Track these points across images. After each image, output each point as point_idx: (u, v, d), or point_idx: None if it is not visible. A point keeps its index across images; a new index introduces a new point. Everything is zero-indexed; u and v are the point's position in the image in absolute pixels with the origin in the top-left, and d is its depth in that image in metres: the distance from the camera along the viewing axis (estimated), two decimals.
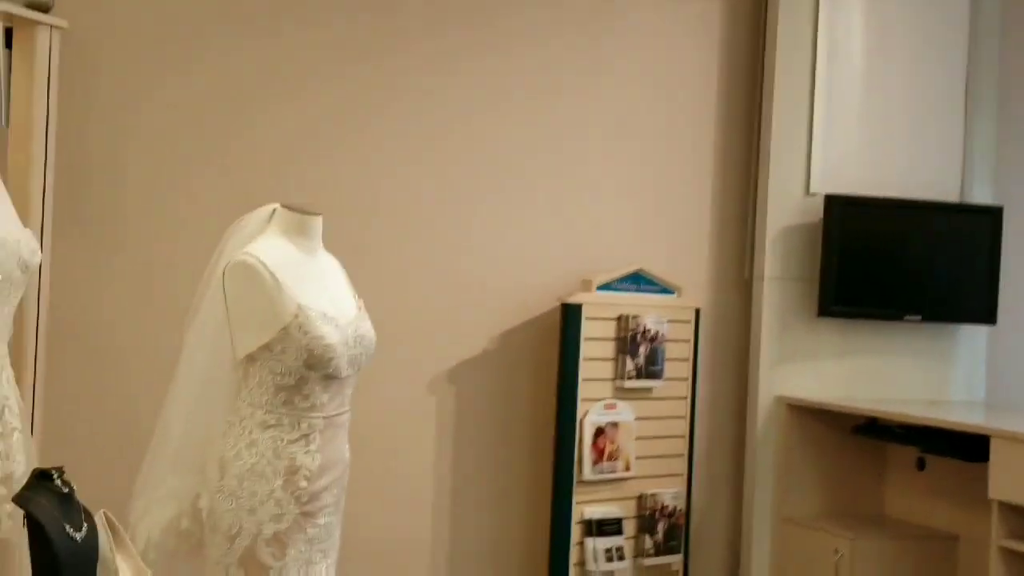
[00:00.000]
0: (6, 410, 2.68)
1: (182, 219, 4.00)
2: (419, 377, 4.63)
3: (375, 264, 4.45)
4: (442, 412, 4.66)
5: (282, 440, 2.84)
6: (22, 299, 3.09)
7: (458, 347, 4.68)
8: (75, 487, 2.59)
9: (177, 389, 2.95)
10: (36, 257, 2.74)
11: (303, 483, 2.85)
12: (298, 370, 2.82)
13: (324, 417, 2.89)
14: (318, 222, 3.01)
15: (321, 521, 2.91)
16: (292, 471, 2.83)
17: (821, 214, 5.08)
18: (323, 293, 2.93)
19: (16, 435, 2.69)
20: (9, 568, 2.61)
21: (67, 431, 3.64)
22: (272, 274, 2.82)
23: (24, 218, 3.02)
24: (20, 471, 2.64)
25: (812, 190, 5.13)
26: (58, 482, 2.49)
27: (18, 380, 3.01)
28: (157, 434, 2.93)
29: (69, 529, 2.47)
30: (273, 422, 2.84)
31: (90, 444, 3.79)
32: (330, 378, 2.87)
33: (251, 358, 2.85)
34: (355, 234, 4.39)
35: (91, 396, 3.88)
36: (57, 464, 2.60)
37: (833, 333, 5.17)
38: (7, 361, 2.72)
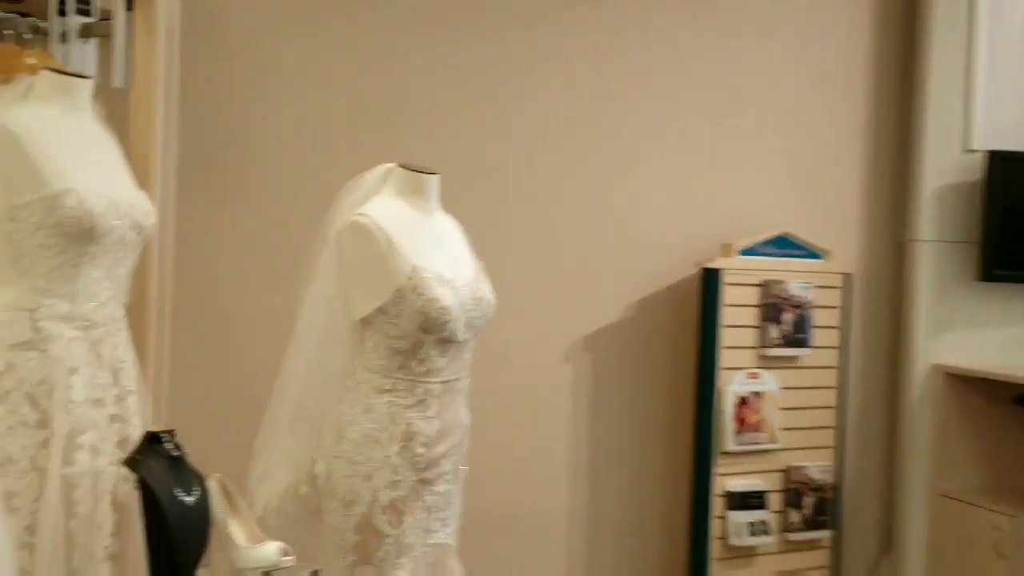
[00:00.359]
0: (122, 372, 2.67)
1: (309, 183, 3.96)
2: (555, 345, 4.52)
3: (509, 228, 4.36)
4: (578, 380, 4.55)
5: (398, 405, 2.77)
6: (147, 264, 3.10)
7: (594, 314, 4.56)
8: (188, 451, 2.56)
9: (294, 353, 2.90)
10: (150, 219, 2.72)
11: (420, 449, 2.77)
12: (413, 334, 2.74)
13: (441, 382, 2.81)
14: (435, 182, 2.93)
15: (440, 489, 2.84)
16: (408, 437, 2.77)
17: (982, 172, 4.78)
18: (439, 254, 2.85)
19: (132, 398, 2.68)
20: (125, 531, 2.60)
21: (191, 394, 3.65)
22: (386, 234, 2.74)
23: (145, 182, 3.01)
24: (136, 434, 2.62)
25: (972, 146, 4.83)
26: (168, 445, 2.47)
27: (142, 344, 3.01)
28: (274, 398, 2.89)
29: (179, 493, 2.44)
30: (389, 387, 2.77)
31: (214, 407, 3.79)
32: (447, 342, 2.79)
33: (366, 321, 2.78)
34: (491, 197, 4.30)
35: (215, 359, 3.88)
36: (179, 427, 2.59)
37: (994, 298, 4.87)
38: (124, 323, 2.71)
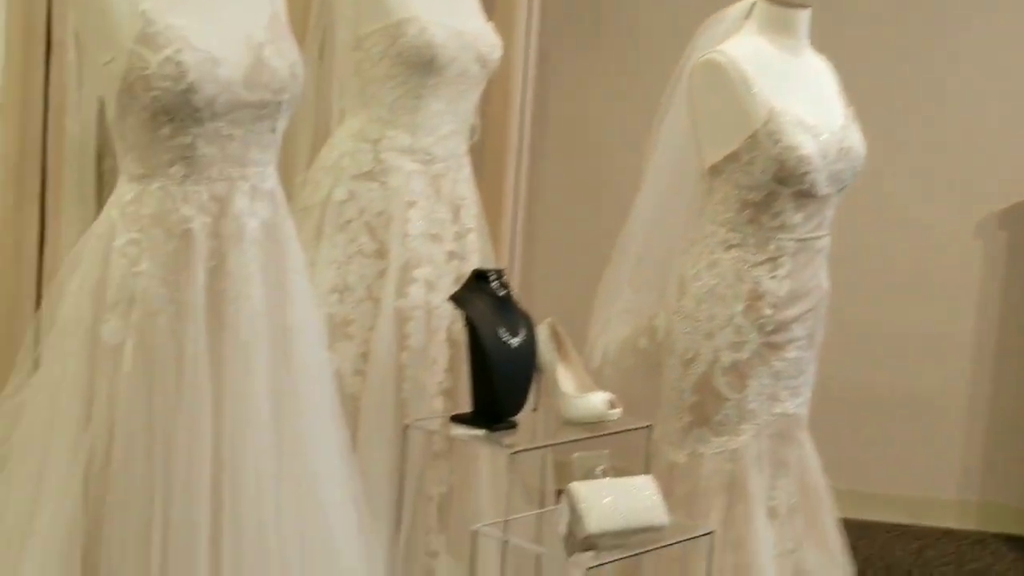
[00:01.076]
0: (462, 210, 2.64)
1: (676, 21, 3.72)
2: (963, 217, 4.08)
3: (912, 75, 3.93)
4: (989, 258, 4.10)
5: (746, 262, 2.56)
6: (507, 102, 3.04)
7: (1014, 185, 4.06)
8: (527, 293, 2.49)
9: (641, 200, 2.76)
10: (496, 53, 2.64)
11: (767, 311, 2.56)
12: (767, 184, 2.51)
13: (796, 240, 2.56)
14: (804, 17, 2.63)
15: (790, 355, 2.61)
16: (755, 296, 2.55)
17: None
18: (803, 98, 2.57)
19: (471, 236, 2.65)
20: (459, 368, 2.59)
21: (541, 237, 3.58)
22: (741, 73, 2.51)
23: (510, 20, 2.94)
24: None
25: None
26: (495, 284, 2.40)
27: (497, 182, 2.98)
28: (619, 246, 2.77)
29: (503, 333, 2.38)
30: (737, 242, 2.56)
31: (564, 251, 3.69)
32: (805, 196, 2.53)
33: (716, 169, 2.58)
34: (886, 37, 3.89)
35: (569, 203, 3.77)
36: (525, 270, 2.53)
37: None
38: (467, 160, 2.67)
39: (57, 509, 1.94)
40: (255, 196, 2.05)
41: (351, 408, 2.47)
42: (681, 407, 2.63)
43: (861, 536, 3.60)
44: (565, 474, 2.43)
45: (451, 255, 2.61)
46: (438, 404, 2.58)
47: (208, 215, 2.00)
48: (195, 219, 1.98)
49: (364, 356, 2.51)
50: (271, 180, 2.09)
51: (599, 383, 2.67)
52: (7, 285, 2.65)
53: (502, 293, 2.41)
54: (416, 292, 2.52)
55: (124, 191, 2.01)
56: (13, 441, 2.03)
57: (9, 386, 2.09)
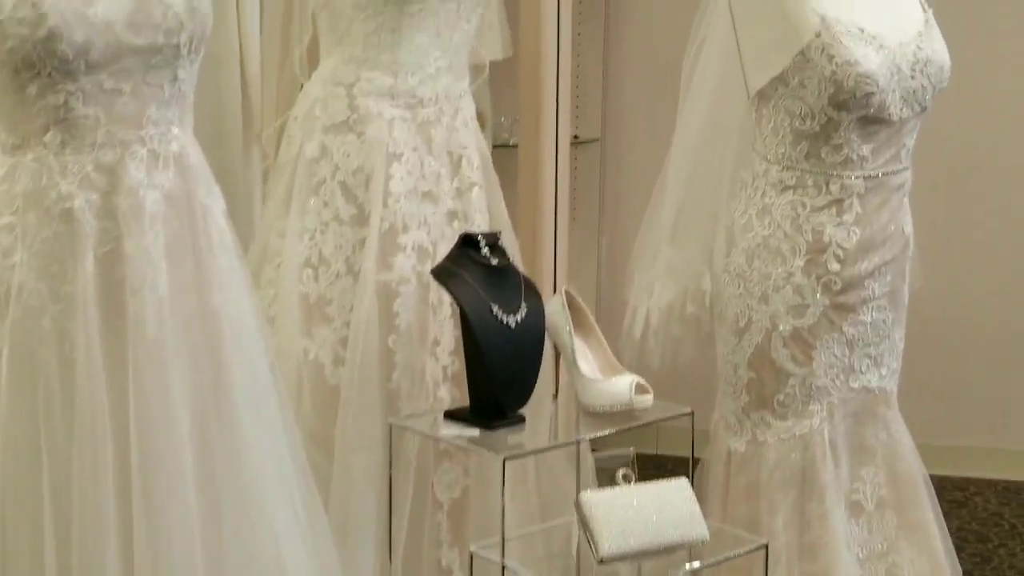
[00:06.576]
0: (463, 161, 2.22)
1: None
2: None
3: None
4: None
5: (804, 207, 2.10)
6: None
7: None
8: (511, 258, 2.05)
9: (678, 137, 2.30)
10: None
11: (834, 266, 2.10)
12: (823, 110, 2.04)
13: (865, 176, 2.09)
14: None
15: (865, 318, 2.15)
16: (818, 249, 2.09)
17: None
18: (863, 3, 2.07)
19: (475, 191, 2.23)
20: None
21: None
22: None
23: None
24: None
25: None
26: (485, 251, 1.99)
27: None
28: (655, 193, 2.32)
29: (497, 310, 1.97)
30: (792, 182, 2.11)
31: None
32: (873, 122, 2.05)
33: (763, 95, 2.12)
34: None
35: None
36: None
37: None
38: (467, 100, 2.24)
39: None
40: (155, 163, 1.68)
41: (334, 403, 2.10)
42: (736, 385, 2.19)
43: None
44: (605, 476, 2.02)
45: (451, 215, 2.20)
46: (444, 393, 2.18)
47: (94, 190, 1.65)
48: (77, 196, 1.64)
49: (345, 342, 2.12)
50: (178, 142, 1.72)
51: (644, 358, 2.25)
52: None
53: (496, 262, 1.99)
54: (403, 262, 2.12)
55: None
56: None
57: None
